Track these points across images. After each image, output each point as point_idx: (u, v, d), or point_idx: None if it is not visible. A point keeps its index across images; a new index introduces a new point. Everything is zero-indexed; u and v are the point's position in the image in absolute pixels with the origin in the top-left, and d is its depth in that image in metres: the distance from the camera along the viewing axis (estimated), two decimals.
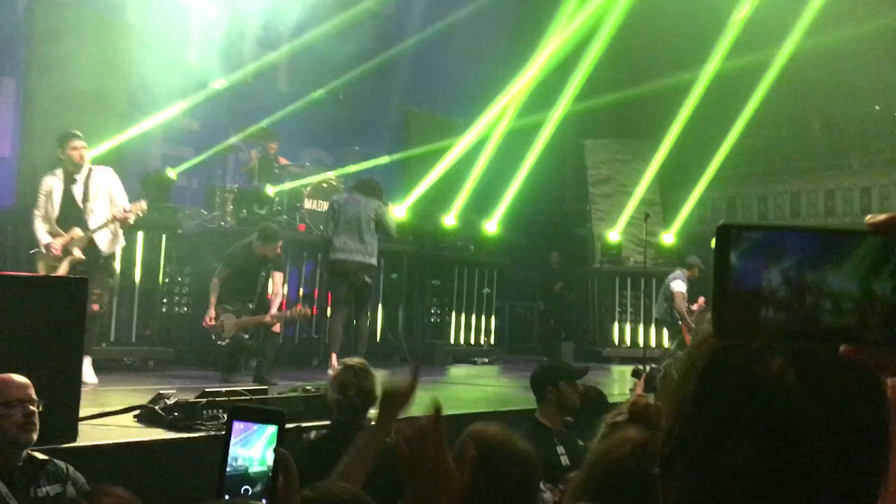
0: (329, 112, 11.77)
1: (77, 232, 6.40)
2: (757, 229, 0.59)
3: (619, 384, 8.12)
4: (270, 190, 9.39)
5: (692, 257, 9.94)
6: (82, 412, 3.94)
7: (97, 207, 6.50)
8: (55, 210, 6.40)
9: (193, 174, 11.25)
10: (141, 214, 6.80)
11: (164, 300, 8.54)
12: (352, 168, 10.89)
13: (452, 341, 10.93)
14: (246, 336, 7.10)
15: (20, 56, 8.75)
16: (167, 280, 8.44)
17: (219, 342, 7.15)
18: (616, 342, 12.21)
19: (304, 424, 4.12)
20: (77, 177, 6.48)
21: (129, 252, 7.67)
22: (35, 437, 2.92)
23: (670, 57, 15.14)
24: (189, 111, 10.87)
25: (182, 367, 8.10)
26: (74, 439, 3.69)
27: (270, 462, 1.22)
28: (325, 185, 10.15)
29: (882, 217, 0.57)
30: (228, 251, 7.39)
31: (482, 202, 12.94)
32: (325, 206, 9.98)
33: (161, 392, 4.50)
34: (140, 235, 7.84)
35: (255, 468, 1.22)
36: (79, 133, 6.62)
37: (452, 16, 13.34)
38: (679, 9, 15.28)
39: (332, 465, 1.90)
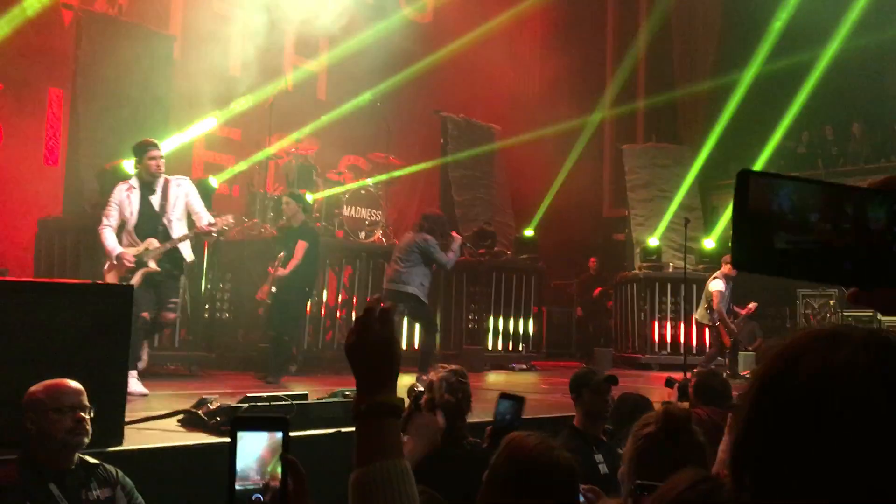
0: (366, 119, 11.87)
1: (153, 243, 6.25)
2: (772, 176, 0.67)
3: (659, 391, 8.05)
4: (309, 197, 9.49)
5: None
6: (128, 416, 4.03)
7: (175, 218, 6.38)
8: (132, 220, 6.24)
9: (234, 182, 11.44)
10: (226, 228, 6.78)
11: (207, 306, 8.68)
12: (389, 174, 10.97)
13: (490, 347, 10.92)
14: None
15: (68, 68, 8.98)
16: (209, 286, 8.58)
17: None
18: (655, 348, 12.09)
19: (343, 430, 4.16)
20: (155, 187, 6.34)
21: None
22: (86, 441, 2.99)
23: (710, 60, 15.00)
24: (231, 120, 11.06)
25: (224, 371, 8.22)
26: (121, 442, 3.77)
27: (279, 469, 1.22)
28: (362, 191, 10.23)
29: (887, 177, 0.67)
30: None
31: (520, 207, 12.93)
32: (362, 212, 10.08)
33: (204, 396, 4.58)
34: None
35: (263, 476, 1.22)
36: (156, 142, 6.52)
37: (489, 22, 13.38)
38: (720, 12, 15.13)
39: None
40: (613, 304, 13.18)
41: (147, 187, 6.33)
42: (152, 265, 6.20)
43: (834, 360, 0.70)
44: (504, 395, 2.68)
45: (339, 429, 4.21)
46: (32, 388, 2.98)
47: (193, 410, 4.43)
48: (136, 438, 3.98)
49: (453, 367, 3.73)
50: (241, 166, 10.85)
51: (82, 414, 2.96)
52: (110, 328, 3.87)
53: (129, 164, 7.65)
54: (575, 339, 13.96)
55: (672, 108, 14.97)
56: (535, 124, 13.62)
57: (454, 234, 8.41)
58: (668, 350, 11.99)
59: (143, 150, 6.38)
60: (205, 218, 6.51)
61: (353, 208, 9.93)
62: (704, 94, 14.43)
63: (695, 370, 6.01)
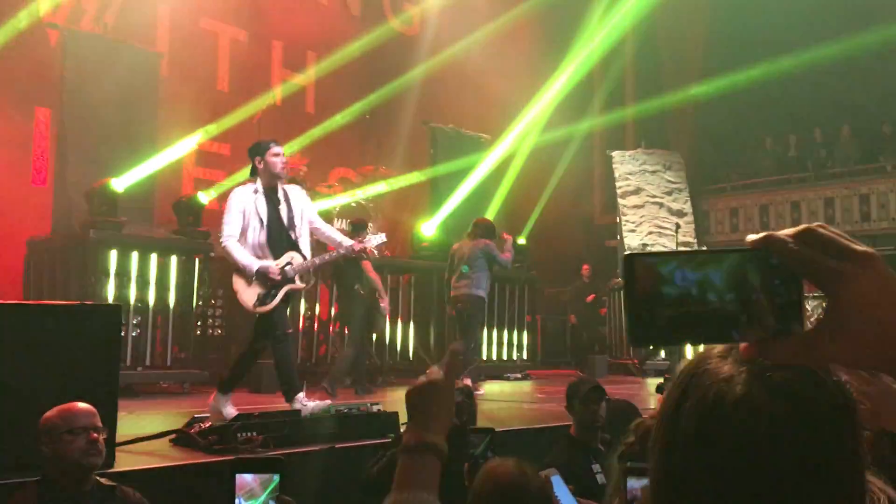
0: (356, 132, 11.87)
1: (296, 257, 5.60)
2: (656, 255, 0.71)
3: (655, 398, 8.04)
4: None
5: None
6: (119, 437, 3.99)
7: (303, 231, 5.71)
8: (262, 231, 5.52)
9: (225, 197, 11.39)
10: (376, 254, 6.16)
11: (199, 323, 8.64)
12: (379, 187, 10.95)
13: (485, 357, 10.89)
14: None
15: (55, 87, 8.95)
16: (201, 303, 8.53)
17: None
18: (650, 354, 12.08)
19: (337, 446, 4.13)
20: (279, 194, 5.62)
21: (162, 276, 7.78)
22: (100, 462, 3.04)
23: (698, 66, 15.06)
24: (220, 135, 11.04)
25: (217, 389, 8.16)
26: (111, 464, 3.73)
27: None
28: (353, 204, 10.22)
29: (759, 235, 0.70)
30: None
31: (511, 216, 12.92)
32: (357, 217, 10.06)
33: (196, 416, 4.54)
34: (174, 259, 7.94)
35: None
36: (276, 140, 5.88)
37: (477, 32, 13.41)
38: (706, 18, 15.20)
39: None
40: (607, 311, 13.17)
41: (271, 193, 5.60)
42: (299, 283, 5.58)
43: (709, 395, 0.77)
44: (474, 430, 2.72)
45: (332, 444, 4.17)
46: (47, 413, 3.02)
47: (185, 430, 4.39)
48: (126, 460, 3.94)
49: (459, 385, 3.68)
50: (231, 181, 10.81)
51: (95, 435, 3.01)
52: (100, 349, 3.84)
53: (116, 183, 7.63)
54: (569, 346, 13.94)
55: (661, 115, 15.01)
56: (524, 133, 13.64)
57: (505, 234, 8.91)
58: (662, 355, 11.98)
59: (264, 147, 5.62)
60: (327, 231, 5.95)
61: (344, 221, 9.91)
62: (693, 100, 14.48)
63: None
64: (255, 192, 5.52)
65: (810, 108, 14.29)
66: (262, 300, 5.41)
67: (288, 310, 5.71)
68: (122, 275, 7.47)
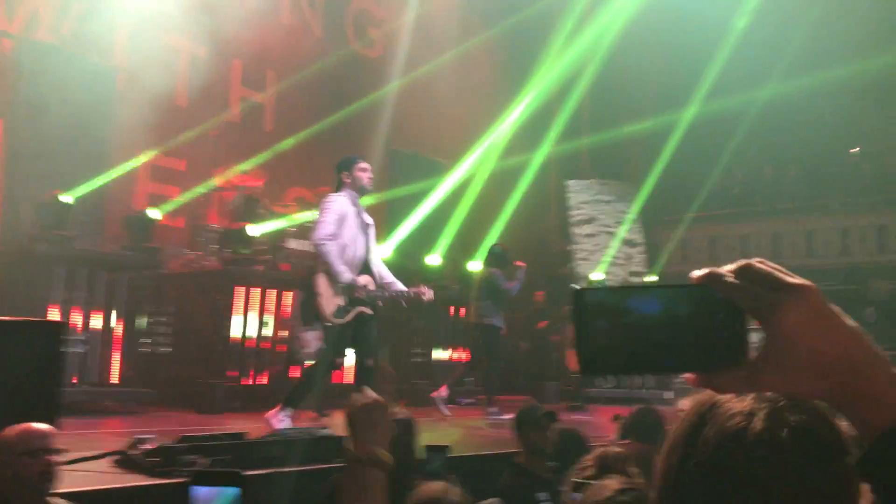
0: (314, 152, 11.85)
1: (371, 283, 5.50)
2: (604, 290, 0.76)
3: (604, 425, 8.12)
4: (255, 230, 9.40)
5: None
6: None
7: (376, 251, 5.64)
8: (357, 242, 5.40)
9: (178, 213, 11.26)
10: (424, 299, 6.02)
11: (148, 340, 8.50)
12: None
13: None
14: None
15: (6, 97, 8.79)
16: (150, 320, 8.40)
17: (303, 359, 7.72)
18: (601, 381, 12.19)
19: (283, 470, 4.09)
20: (361, 211, 5.49)
21: (111, 291, 7.64)
22: (54, 485, 3.02)
23: (652, 99, 15.40)
24: (175, 150, 10.93)
25: (165, 408, 8.03)
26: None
27: None
28: (308, 224, 10.17)
29: (703, 271, 0.74)
30: (298, 278, 8.13)
31: (467, 241, 12.99)
32: (309, 245, 10.00)
33: (139, 437, 4.46)
34: (123, 276, 7.80)
35: None
36: (361, 155, 5.72)
37: (437, 58, 13.54)
38: (661, 51, 15.58)
39: None
40: (559, 338, 13.27)
41: (359, 208, 5.51)
42: (367, 309, 5.45)
43: (730, 426, 0.82)
44: (430, 448, 2.70)
45: (278, 469, 4.14)
46: (4, 432, 2.99)
47: (128, 451, 4.31)
48: (66, 482, 3.84)
49: (399, 415, 3.57)
50: (186, 197, 10.71)
51: (53, 457, 2.99)
52: (42, 367, 3.77)
53: (67, 196, 7.50)
54: (522, 373, 13.98)
55: (616, 146, 15.27)
56: (482, 158, 13.75)
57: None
58: (613, 384, 12.10)
59: (350, 161, 5.58)
60: (376, 257, 5.77)
61: (300, 241, 9.86)
62: (647, 132, 14.77)
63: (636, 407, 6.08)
64: (351, 203, 5.48)
65: (760, 144, 14.69)
66: (339, 313, 5.35)
67: (361, 336, 5.60)
68: (70, 290, 7.32)
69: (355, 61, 13.49)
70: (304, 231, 10.10)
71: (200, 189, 10.46)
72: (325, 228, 5.39)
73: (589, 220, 13.68)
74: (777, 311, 0.70)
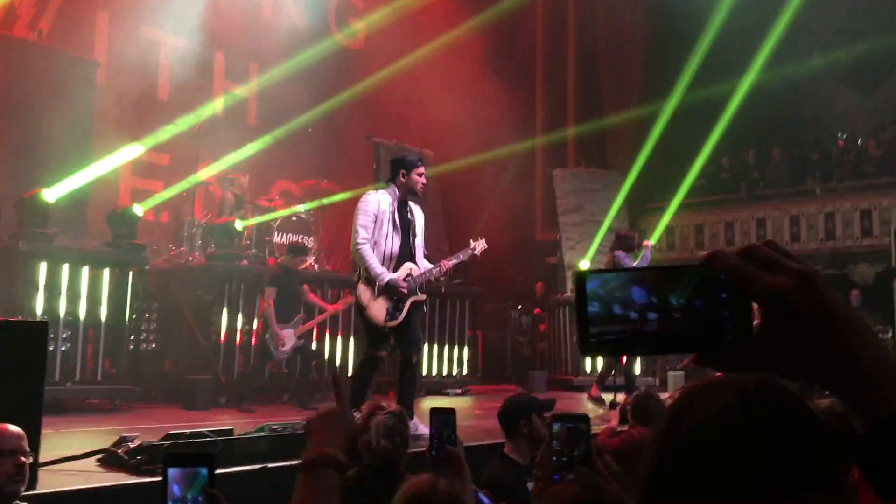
0: (298, 145, 11.80)
1: (415, 269, 5.60)
2: (606, 272, 0.75)
3: (593, 413, 8.15)
4: (239, 224, 9.36)
5: None
6: (43, 457, 3.87)
7: (420, 246, 5.76)
8: (395, 240, 5.52)
9: (163, 208, 11.20)
10: (474, 254, 6.12)
11: (132, 337, 8.45)
12: (320, 201, 10.89)
13: (424, 372, 10.88)
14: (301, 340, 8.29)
15: None
16: (134, 316, 8.35)
17: (279, 357, 8.14)
18: (588, 370, 12.23)
19: (270, 466, 4.08)
20: (409, 208, 5.69)
21: (94, 289, 7.58)
22: (23, 488, 2.97)
23: (637, 87, 15.41)
24: (159, 145, 10.85)
25: (150, 404, 7.99)
26: (34, 486, 3.62)
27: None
28: (294, 218, 10.14)
29: (709, 252, 0.74)
30: (270, 274, 8.33)
31: (454, 232, 12.97)
32: (294, 239, 9.96)
33: (124, 435, 4.44)
34: (106, 272, 7.75)
35: None
36: (423, 159, 5.96)
37: (422, 48, 13.48)
38: (645, 39, 15.58)
39: None
40: (546, 327, 13.30)
41: (403, 206, 5.65)
42: (420, 294, 5.58)
43: (714, 409, 0.84)
44: (434, 410, 2.63)
45: (265, 465, 4.12)
46: None
47: (112, 450, 4.28)
48: (50, 481, 3.82)
49: (392, 408, 3.59)
50: (169, 192, 10.64)
51: (23, 459, 2.93)
52: (24, 367, 3.73)
53: (48, 193, 7.42)
54: (510, 362, 14.03)
55: (601, 134, 15.29)
56: (468, 150, 13.74)
57: (645, 242, 9.34)
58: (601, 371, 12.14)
59: (411, 164, 5.65)
60: (420, 252, 5.88)
61: (285, 235, 9.83)
62: (632, 120, 14.79)
63: (634, 393, 6.12)
64: (392, 202, 5.56)
65: (743, 131, 14.74)
66: (391, 314, 5.42)
67: (408, 331, 5.68)
68: (52, 287, 7.26)
69: (338, 53, 13.41)
70: (290, 225, 10.06)
71: (184, 184, 10.39)
72: (361, 233, 5.51)
73: (575, 209, 13.69)
74: (779, 295, 0.71)
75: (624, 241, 9.20)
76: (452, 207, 13.47)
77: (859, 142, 14.62)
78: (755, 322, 0.73)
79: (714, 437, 0.83)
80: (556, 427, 2.06)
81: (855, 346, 0.71)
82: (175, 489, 1.34)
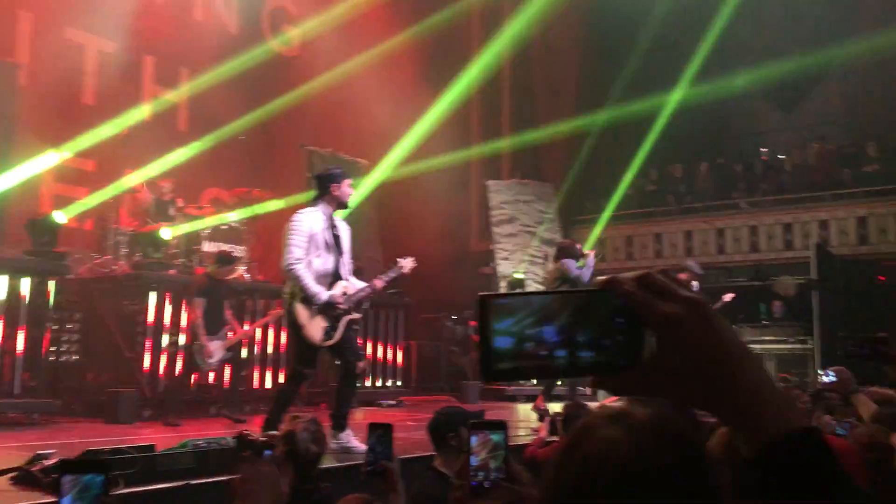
0: (231, 152, 11.61)
1: (349, 287, 5.54)
2: (508, 296, 0.76)
3: (525, 423, 8.22)
4: (167, 232, 9.14)
5: (687, 263, 10.77)
6: None
7: (349, 262, 5.65)
8: (328, 258, 5.43)
9: (87, 216, 10.85)
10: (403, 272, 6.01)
11: (52, 348, 8.15)
12: (252, 210, 10.72)
13: (358, 383, 10.79)
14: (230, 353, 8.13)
15: None
16: (55, 327, 8.06)
17: (206, 369, 7.99)
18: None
19: (193, 482, 3.97)
20: (336, 221, 5.59)
21: (13, 298, 7.29)
22: None
23: (571, 100, 15.66)
24: (84, 150, 10.53)
25: (71, 418, 7.72)
26: None
27: None
28: (224, 227, 9.95)
29: (605, 278, 0.77)
30: (197, 284, 8.13)
31: (388, 242, 12.94)
32: (224, 248, 9.77)
33: (40, 452, 4.26)
34: (26, 281, 7.46)
35: None
36: (346, 171, 5.82)
37: (358, 57, 13.43)
38: (578, 53, 15.85)
39: None
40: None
41: (331, 221, 5.55)
42: (355, 313, 5.52)
43: (604, 443, 0.86)
44: (372, 426, 2.61)
45: (187, 482, 4.02)
46: None
47: (27, 468, 4.11)
48: None
49: (309, 416, 3.62)
50: (94, 199, 10.32)
51: None
52: None
53: None
54: (444, 373, 14.04)
55: (536, 146, 15.47)
56: (404, 159, 13.73)
57: (586, 251, 9.37)
58: (534, 381, 12.24)
59: (340, 175, 5.57)
60: (349, 266, 5.80)
61: (214, 244, 9.63)
62: (565, 133, 15.01)
63: (564, 404, 6.18)
64: (325, 219, 5.47)
65: (672, 145, 15.13)
66: (328, 333, 5.35)
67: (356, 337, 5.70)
68: None
69: (272, 60, 13.26)
70: (220, 234, 9.88)
71: (110, 191, 10.10)
72: (294, 252, 5.38)
73: (509, 220, 13.81)
74: (668, 323, 0.73)
75: (568, 250, 9.30)
76: (387, 216, 13.44)
77: (782, 157, 15.14)
78: (649, 348, 0.74)
79: (600, 471, 0.85)
80: (472, 436, 2.07)
81: (739, 373, 0.74)
82: (66, 501, 1.34)
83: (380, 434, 2.46)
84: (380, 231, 12.98)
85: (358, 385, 10.60)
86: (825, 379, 4.76)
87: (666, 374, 0.74)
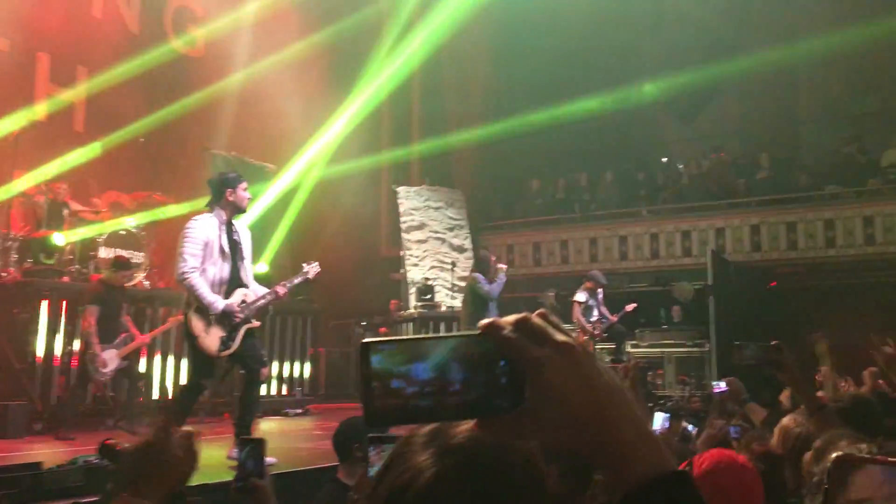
0: (130, 154, 11.22)
1: (249, 295, 5.39)
2: (389, 342, 0.76)
3: None
4: (60, 238, 8.75)
5: (591, 272, 11.03)
6: None
7: (250, 268, 5.52)
8: (224, 266, 5.29)
9: None
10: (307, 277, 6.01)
11: None
12: (153, 214, 10.38)
13: (263, 392, 10.57)
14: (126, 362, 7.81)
15: None
16: None
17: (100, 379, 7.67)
18: None
19: (82, 501, 3.80)
20: (235, 227, 5.42)
21: None
22: None
23: (480, 106, 15.82)
24: None
25: None
26: None
27: None
28: (122, 232, 9.60)
29: (486, 322, 0.76)
30: (91, 291, 7.80)
31: (297, 248, 12.76)
32: (122, 254, 9.42)
33: None
34: None
35: None
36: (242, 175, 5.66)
37: (264, 59, 13.22)
38: (487, 61, 16.03)
39: None
40: None
41: (230, 227, 5.38)
42: (254, 321, 5.41)
43: (410, 471, 0.87)
44: (242, 440, 2.53)
45: (76, 500, 3.84)
46: None
47: None
48: None
49: (187, 428, 3.48)
50: None
51: None
52: None
53: None
54: (353, 380, 13.92)
55: (445, 154, 15.55)
56: (310, 163, 13.57)
57: (499, 265, 9.20)
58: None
59: (235, 180, 5.40)
60: (251, 273, 5.67)
61: (112, 250, 9.27)
62: (475, 140, 15.15)
63: None
64: (219, 225, 5.31)
65: (577, 154, 15.48)
66: (225, 344, 5.22)
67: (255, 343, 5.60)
68: None
69: (175, 60, 12.89)
70: (118, 239, 9.53)
71: (7, 191, 9.61)
72: (189, 261, 5.22)
73: (419, 226, 13.84)
74: (541, 366, 0.74)
75: (481, 264, 9.36)
76: (296, 221, 13.25)
77: (681, 167, 15.69)
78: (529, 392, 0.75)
79: (403, 502, 0.85)
80: (371, 449, 2.05)
81: (610, 414, 0.74)
82: None
83: (251, 449, 2.38)
84: (287, 237, 12.78)
85: (262, 393, 10.45)
86: (716, 389, 4.95)
87: (539, 419, 0.74)
